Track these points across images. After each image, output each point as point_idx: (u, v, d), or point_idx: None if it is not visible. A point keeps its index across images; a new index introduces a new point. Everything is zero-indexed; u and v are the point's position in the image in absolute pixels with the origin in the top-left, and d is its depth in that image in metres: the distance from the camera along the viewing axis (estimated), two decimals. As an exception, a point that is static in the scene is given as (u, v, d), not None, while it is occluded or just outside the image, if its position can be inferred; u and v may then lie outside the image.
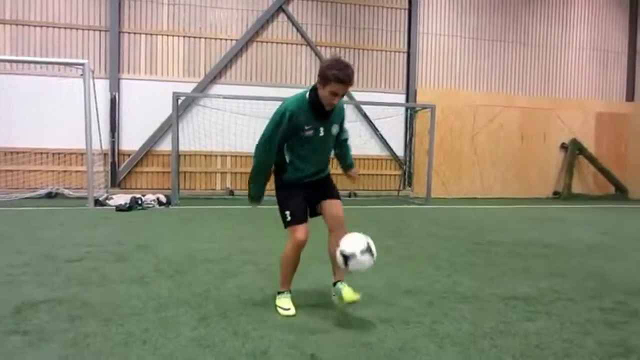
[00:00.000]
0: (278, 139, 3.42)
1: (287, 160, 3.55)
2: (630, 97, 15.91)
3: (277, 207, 3.59)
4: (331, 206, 3.62)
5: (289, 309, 3.51)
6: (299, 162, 3.52)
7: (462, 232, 7.69)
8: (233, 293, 3.93)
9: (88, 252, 5.36)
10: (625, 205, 13.02)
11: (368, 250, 3.27)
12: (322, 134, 3.45)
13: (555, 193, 14.87)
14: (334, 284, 3.63)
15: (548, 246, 6.50)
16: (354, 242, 3.29)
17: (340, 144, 3.83)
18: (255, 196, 3.71)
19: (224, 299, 3.78)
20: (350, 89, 12.72)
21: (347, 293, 3.46)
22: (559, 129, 15.08)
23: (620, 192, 15.16)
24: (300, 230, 3.50)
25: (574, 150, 14.92)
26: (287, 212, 3.52)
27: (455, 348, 2.92)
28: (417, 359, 2.75)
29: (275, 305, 3.59)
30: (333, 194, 3.67)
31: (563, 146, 15.09)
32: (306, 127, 3.38)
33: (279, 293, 3.66)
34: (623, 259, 5.73)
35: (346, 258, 3.26)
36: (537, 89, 15.28)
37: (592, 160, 15.10)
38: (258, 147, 3.50)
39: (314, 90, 3.37)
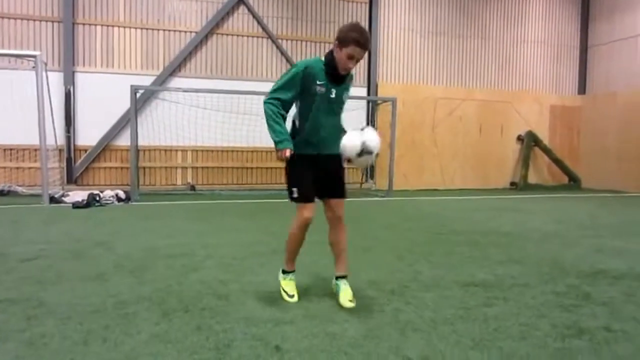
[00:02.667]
0: (290, 94, 3.38)
1: (298, 125, 3.52)
2: (582, 90, 16.44)
3: (284, 178, 3.61)
4: (336, 206, 3.63)
5: (293, 296, 3.59)
6: (311, 127, 3.45)
7: (422, 222, 7.82)
8: (195, 288, 3.89)
9: (43, 250, 5.21)
10: (577, 195, 13.47)
11: (362, 151, 3.25)
12: (333, 95, 3.43)
13: (512, 184, 15.26)
14: (336, 277, 3.70)
15: (505, 235, 6.67)
16: (349, 145, 3.28)
17: None
18: (281, 141, 3.33)
19: (186, 293, 3.74)
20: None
21: (343, 297, 3.52)
22: (516, 122, 15.48)
23: (574, 182, 15.67)
24: (308, 208, 3.50)
25: (529, 142, 15.34)
26: (295, 189, 3.50)
27: (417, 334, 2.97)
28: (380, 346, 2.78)
29: (281, 287, 3.68)
30: (341, 192, 3.65)
31: (519, 138, 15.50)
32: (319, 82, 3.36)
33: (284, 272, 3.72)
34: (575, 246, 5.93)
35: (364, 150, 3.25)
36: (495, 82, 15.62)
37: (546, 151, 15.57)
38: (266, 101, 3.40)
39: (329, 53, 3.41)
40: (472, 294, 3.82)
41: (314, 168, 3.50)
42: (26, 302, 3.48)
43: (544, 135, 15.67)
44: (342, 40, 3.28)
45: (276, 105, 3.37)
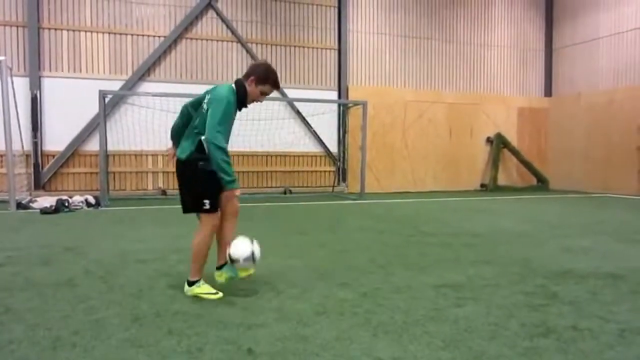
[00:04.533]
0: (231, 119, 3.74)
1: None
2: (548, 92, 16.81)
3: (190, 192, 3.78)
4: (234, 200, 3.86)
5: (217, 293, 3.74)
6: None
7: (394, 225, 7.89)
8: (166, 292, 3.87)
9: (10, 257, 5.10)
10: (545, 196, 13.76)
11: (251, 258, 3.67)
12: (235, 117, 3.83)
13: (482, 185, 15.50)
14: (219, 267, 3.91)
15: (476, 236, 6.78)
16: (241, 250, 3.68)
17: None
18: (234, 180, 3.70)
19: (158, 298, 3.71)
20: (283, 85, 12.73)
21: (241, 270, 3.84)
22: (485, 124, 15.74)
23: (542, 183, 16.00)
24: (217, 217, 3.78)
25: (498, 144, 15.61)
26: (207, 202, 3.68)
27: (389, 336, 3.00)
28: (352, 348, 2.81)
29: (197, 295, 3.73)
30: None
31: (488, 140, 15.75)
32: (233, 115, 3.74)
33: (194, 283, 3.78)
34: (544, 246, 6.07)
35: (231, 260, 3.69)
36: (463, 85, 15.86)
37: (515, 153, 15.86)
38: (215, 135, 3.54)
39: (240, 84, 3.73)
40: (443, 295, 3.87)
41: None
42: (-9, 311, 3.41)
43: (512, 137, 15.97)
44: (261, 79, 3.69)
45: (223, 138, 3.61)
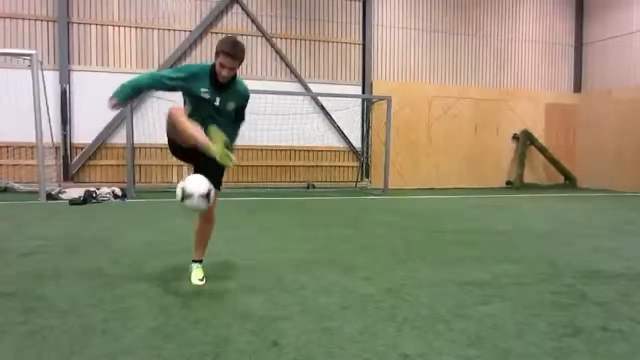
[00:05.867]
0: (168, 83, 3.67)
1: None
2: (577, 88, 16.51)
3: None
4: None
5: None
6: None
7: (418, 221, 7.85)
8: (191, 284, 3.90)
9: (40, 246, 5.21)
10: (573, 194, 13.52)
11: (207, 196, 3.50)
12: (217, 103, 3.72)
13: (508, 183, 15.32)
14: (193, 260, 4.05)
15: (501, 233, 6.71)
16: (197, 184, 3.50)
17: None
18: (118, 96, 3.72)
19: (184, 289, 3.75)
20: (307, 80, 12.76)
21: (194, 276, 3.94)
22: (511, 120, 15.53)
23: (569, 182, 15.74)
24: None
25: (525, 140, 15.39)
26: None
27: (414, 332, 2.99)
28: (377, 343, 2.80)
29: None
30: (215, 183, 3.71)
31: (515, 137, 15.54)
32: (202, 89, 3.65)
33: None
34: (571, 245, 5.96)
35: (184, 195, 3.47)
36: (490, 80, 15.67)
37: (542, 150, 15.62)
38: (144, 79, 3.74)
39: (214, 64, 3.67)
40: (468, 292, 3.84)
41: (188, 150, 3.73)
42: (24, 295, 3.50)
43: (539, 134, 15.73)
44: (216, 51, 3.59)
45: (145, 83, 3.73)
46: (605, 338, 2.96)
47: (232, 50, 3.53)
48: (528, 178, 15.40)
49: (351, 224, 7.45)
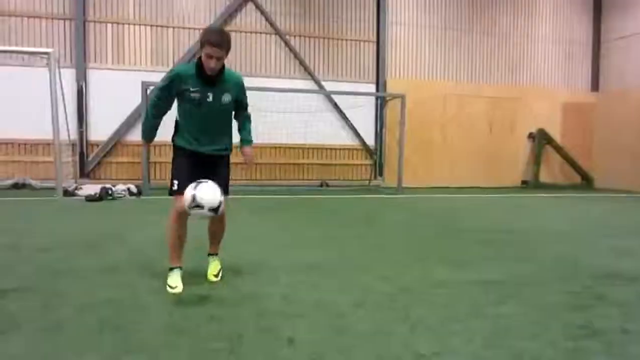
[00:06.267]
0: (164, 100, 3.70)
1: (179, 122, 3.76)
2: (595, 87, 16.31)
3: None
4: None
5: (175, 287, 3.59)
6: (189, 126, 3.69)
7: (433, 220, 7.82)
8: (207, 280, 3.92)
9: (57, 242, 5.27)
10: (589, 195, 13.39)
11: (216, 209, 3.43)
12: (210, 99, 3.60)
13: (524, 182, 15.20)
14: (208, 254, 4.05)
15: (517, 233, 6.65)
16: (211, 197, 3.40)
17: (240, 118, 3.98)
18: (145, 136, 3.94)
19: (198, 285, 3.76)
20: (320, 78, 12.73)
21: (211, 271, 3.93)
22: (526, 119, 15.39)
23: (586, 182, 15.58)
24: (179, 201, 3.54)
25: (541, 139, 15.25)
26: (175, 182, 3.67)
27: (428, 331, 2.97)
28: (391, 341, 2.79)
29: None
30: (219, 183, 3.58)
31: (530, 136, 15.40)
32: (192, 89, 3.54)
33: (169, 269, 3.71)
34: (589, 246, 5.90)
35: (195, 204, 3.36)
36: (505, 79, 15.55)
37: (558, 149, 15.46)
38: (149, 105, 3.81)
39: (200, 58, 3.55)
40: (483, 292, 3.81)
41: (193, 159, 3.71)
42: (41, 290, 3.54)
43: (555, 133, 15.57)
44: (201, 43, 3.48)
45: (155, 113, 3.78)
46: (623, 340, 2.91)
47: (218, 39, 3.44)
48: (544, 178, 15.26)
49: (365, 222, 7.44)
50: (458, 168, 14.77)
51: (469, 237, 6.23)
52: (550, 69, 16.00)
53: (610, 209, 10.06)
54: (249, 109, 4.02)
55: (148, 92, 11.56)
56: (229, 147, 3.88)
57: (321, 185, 13.33)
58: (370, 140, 14.17)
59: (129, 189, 10.16)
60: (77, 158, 12.03)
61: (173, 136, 3.79)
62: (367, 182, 13.88)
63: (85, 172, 12.13)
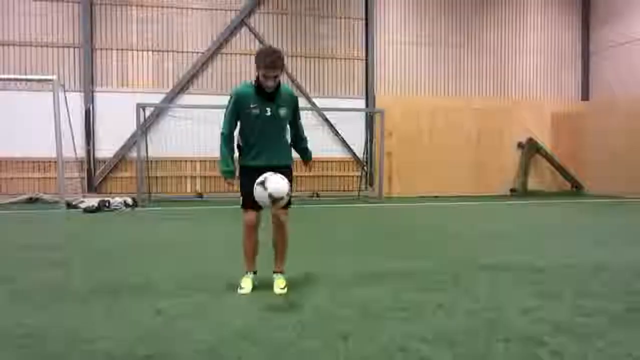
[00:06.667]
0: (234, 123, 3.99)
1: (241, 144, 4.05)
2: (585, 96, 16.70)
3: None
4: (274, 208, 3.91)
5: (244, 288, 4.06)
6: (251, 143, 3.99)
7: (383, 225, 8.52)
8: (138, 274, 4.75)
9: (35, 243, 6.23)
10: (572, 201, 13.72)
11: (276, 199, 3.70)
12: (268, 113, 3.91)
13: (512, 190, 15.64)
14: (274, 272, 4.20)
15: (446, 234, 7.30)
16: (276, 186, 3.69)
17: (296, 138, 4.30)
18: (224, 172, 4.03)
19: (133, 271, 4.61)
20: (312, 95, 13.49)
21: (276, 285, 4.08)
22: (515, 129, 15.89)
23: (576, 189, 15.93)
24: (246, 216, 4.05)
25: (530, 148, 15.70)
26: (242, 198, 4.06)
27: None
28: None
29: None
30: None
31: (520, 145, 15.87)
32: (252, 105, 3.87)
33: (245, 273, 4.19)
34: (503, 245, 6.51)
35: (262, 182, 3.69)
36: (493, 91, 16.12)
37: (548, 158, 15.88)
38: (221, 144, 4.02)
39: (257, 77, 3.90)
40: (355, 278, 4.52)
41: (257, 176, 3.84)
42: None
43: (545, 142, 16.00)
44: (256, 65, 3.84)
45: (227, 137, 4.02)
46: (437, 312, 3.61)
47: (272, 61, 3.74)
48: (534, 185, 15.68)
49: (328, 224, 8.22)
50: (446, 178, 15.31)
51: (403, 239, 6.93)
52: (539, 79, 16.49)
53: (574, 212, 10.50)
54: None
55: (147, 112, 12.69)
56: (290, 160, 4.16)
57: (312, 196, 14.12)
58: (360, 153, 14.90)
59: (125, 201, 11.15)
60: (84, 174, 13.17)
61: (239, 159, 4.09)
62: (357, 192, 14.60)
63: (92, 186, 13.25)
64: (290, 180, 3.94)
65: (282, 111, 3.98)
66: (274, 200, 3.69)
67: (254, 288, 4.11)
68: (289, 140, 4.26)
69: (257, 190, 3.70)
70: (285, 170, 3.97)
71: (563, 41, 16.60)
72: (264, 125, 3.94)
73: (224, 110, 4.04)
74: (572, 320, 3.41)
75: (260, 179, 3.70)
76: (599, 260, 5.42)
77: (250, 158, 4.01)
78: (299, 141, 4.34)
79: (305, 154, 4.43)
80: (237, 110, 3.95)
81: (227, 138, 4.00)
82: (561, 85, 16.69)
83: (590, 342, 3.01)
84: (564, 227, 8.36)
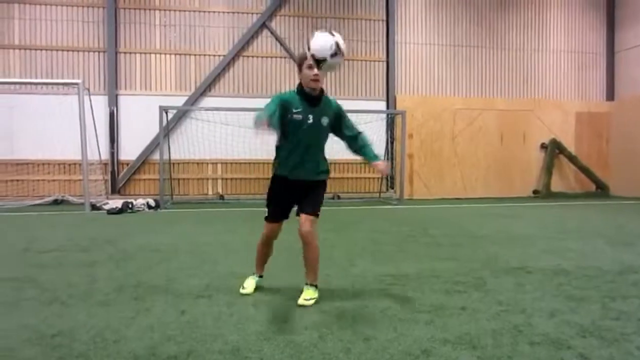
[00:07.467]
0: (277, 114, 3.60)
1: (280, 153, 3.90)
2: (610, 96, 16.42)
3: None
4: (300, 220, 3.83)
5: (245, 288, 4.13)
6: (289, 152, 3.82)
7: (408, 226, 8.47)
8: (161, 275, 4.82)
9: (62, 245, 6.34)
10: (596, 202, 13.53)
11: (336, 53, 3.50)
12: (311, 121, 3.74)
13: (535, 192, 15.45)
14: (305, 283, 3.94)
15: (474, 237, 7.21)
16: (323, 48, 3.50)
17: (350, 141, 4.05)
18: (263, 116, 3.41)
19: (154, 276, 4.67)
20: (333, 97, 13.59)
21: (302, 296, 3.84)
22: (539, 130, 15.69)
23: (601, 190, 15.67)
24: (268, 227, 4.04)
25: (553, 149, 15.50)
26: (266, 209, 4.01)
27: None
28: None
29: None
30: (307, 208, 3.84)
31: (543, 146, 15.68)
32: (294, 110, 3.69)
33: (252, 274, 4.28)
34: (527, 247, 6.42)
35: (318, 62, 3.53)
36: (516, 91, 15.94)
37: (571, 159, 15.66)
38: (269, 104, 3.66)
39: (300, 84, 3.78)
40: (376, 282, 4.51)
41: (288, 189, 3.90)
42: (22, 280, 4.54)
43: (569, 143, 15.79)
44: (299, 59, 3.72)
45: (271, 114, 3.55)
46: (448, 313, 3.59)
47: (315, 53, 3.56)
48: (558, 187, 15.47)
49: (344, 227, 8.21)
50: (469, 180, 15.22)
51: (425, 241, 6.88)
52: (563, 80, 16.27)
53: (598, 213, 10.33)
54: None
55: (169, 115, 12.84)
56: (327, 175, 4.00)
57: (333, 198, 14.12)
58: (382, 154, 14.84)
59: (147, 203, 11.29)
60: (108, 176, 13.37)
61: (273, 167, 3.99)
62: (378, 194, 14.56)
63: (116, 188, 13.45)
64: (324, 192, 3.94)
65: (324, 120, 3.83)
66: (333, 53, 3.48)
67: (256, 289, 4.17)
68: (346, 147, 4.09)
69: (333, 61, 3.51)
70: (320, 183, 3.94)
71: (587, 41, 16.35)
72: (305, 133, 3.78)
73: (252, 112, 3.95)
74: (599, 323, 3.36)
75: (332, 50, 3.48)
76: (625, 262, 5.35)
77: (287, 169, 3.87)
78: (354, 141, 4.04)
79: (367, 154, 4.05)
80: (280, 111, 3.65)
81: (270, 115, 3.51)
82: (585, 86, 16.44)
83: (618, 346, 2.97)
84: (589, 228, 8.22)
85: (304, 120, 3.74)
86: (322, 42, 3.50)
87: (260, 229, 4.14)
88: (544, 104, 15.87)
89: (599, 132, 16.19)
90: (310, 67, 3.61)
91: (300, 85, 3.78)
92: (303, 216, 3.83)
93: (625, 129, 15.69)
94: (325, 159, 4.01)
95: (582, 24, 16.30)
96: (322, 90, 3.81)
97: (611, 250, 6.13)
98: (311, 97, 3.76)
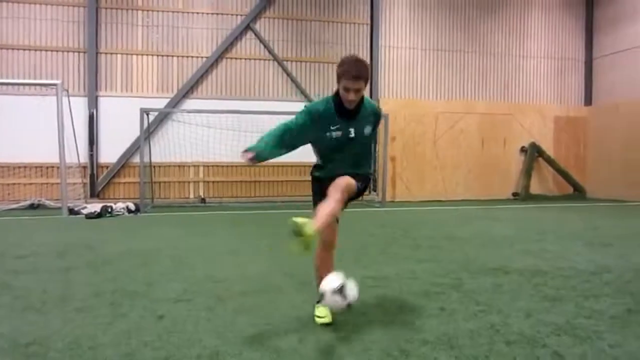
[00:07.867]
0: (297, 137, 3.41)
1: (320, 162, 3.61)
2: (588, 101, 16.68)
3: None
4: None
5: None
6: (330, 164, 3.50)
7: (390, 228, 8.52)
8: (140, 280, 4.77)
9: (36, 251, 6.23)
10: (573, 204, 13.68)
11: (339, 291, 3.05)
12: (352, 134, 3.41)
13: (514, 194, 15.62)
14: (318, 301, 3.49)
15: (451, 239, 7.26)
16: (329, 281, 3.12)
17: None
18: (255, 149, 3.32)
19: (129, 279, 4.63)
20: (317, 100, 13.53)
21: (316, 314, 3.54)
22: (519, 133, 15.87)
23: (578, 192, 15.90)
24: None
25: (532, 153, 15.69)
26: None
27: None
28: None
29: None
30: (351, 174, 3.39)
31: (523, 149, 15.86)
32: (332, 127, 3.37)
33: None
34: (503, 249, 6.49)
35: (321, 295, 3.14)
36: (497, 96, 16.09)
37: (550, 162, 15.87)
38: (280, 125, 3.46)
39: (337, 92, 3.39)
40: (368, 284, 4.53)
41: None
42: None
43: (548, 146, 15.99)
44: (337, 76, 3.32)
45: (278, 143, 3.41)
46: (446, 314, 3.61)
47: (356, 71, 3.23)
48: (536, 189, 15.64)
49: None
50: (450, 182, 15.32)
51: (406, 243, 6.92)
52: (542, 85, 16.48)
53: (575, 215, 10.48)
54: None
55: (151, 117, 12.73)
56: (370, 172, 3.75)
57: (315, 201, 14.11)
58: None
59: (127, 207, 11.16)
60: (87, 179, 13.18)
61: (312, 171, 3.67)
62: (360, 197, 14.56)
63: (95, 192, 13.26)
64: (365, 185, 3.54)
65: (367, 129, 3.49)
66: (341, 291, 3.05)
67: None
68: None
69: (332, 299, 3.05)
70: (364, 178, 3.55)
71: (567, 47, 16.59)
72: (347, 149, 3.45)
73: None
74: (573, 322, 3.43)
75: (336, 285, 3.05)
76: (600, 263, 5.45)
77: (329, 173, 3.47)
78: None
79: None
80: (305, 127, 3.40)
81: (280, 136, 3.40)
82: (564, 91, 16.67)
83: (591, 344, 3.04)
84: (566, 230, 8.33)
85: (345, 136, 3.40)
86: (332, 277, 3.15)
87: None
88: (524, 108, 16.06)
89: (576, 136, 16.44)
90: (346, 89, 3.27)
91: (337, 95, 3.40)
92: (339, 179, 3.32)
93: (601, 134, 15.95)
94: (370, 162, 3.75)
95: (562, 31, 16.53)
96: (361, 97, 3.42)
97: (587, 251, 6.24)
98: (349, 110, 3.39)
